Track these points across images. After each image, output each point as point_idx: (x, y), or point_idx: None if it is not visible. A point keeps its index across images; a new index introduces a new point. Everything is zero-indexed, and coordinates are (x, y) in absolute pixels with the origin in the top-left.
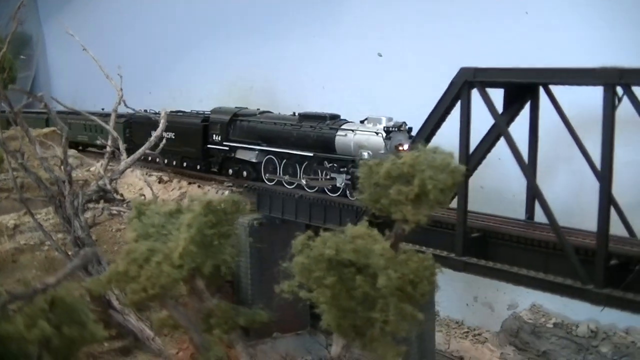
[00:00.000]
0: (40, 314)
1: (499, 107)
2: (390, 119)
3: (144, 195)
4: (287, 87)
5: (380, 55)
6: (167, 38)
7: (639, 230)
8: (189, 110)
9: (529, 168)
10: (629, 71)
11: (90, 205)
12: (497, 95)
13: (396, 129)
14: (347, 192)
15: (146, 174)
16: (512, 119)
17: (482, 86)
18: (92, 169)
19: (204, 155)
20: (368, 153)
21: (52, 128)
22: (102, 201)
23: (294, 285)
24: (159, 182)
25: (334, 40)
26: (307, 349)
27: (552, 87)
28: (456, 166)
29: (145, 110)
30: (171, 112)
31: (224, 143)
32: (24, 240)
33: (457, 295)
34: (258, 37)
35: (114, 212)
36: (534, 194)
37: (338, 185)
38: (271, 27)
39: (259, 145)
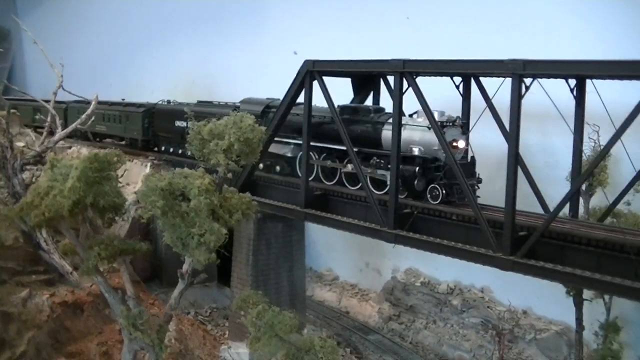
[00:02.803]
0: None
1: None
2: (442, 113)
3: None
4: (221, 80)
5: (296, 54)
6: (126, 36)
7: None
8: (217, 102)
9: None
10: (412, 62)
11: (28, 167)
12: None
13: (450, 124)
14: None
15: (88, 147)
16: (361, 103)
17: (320, 75)
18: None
19: None
20: (419, 149)
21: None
22: (38, 165)
23: (144, 211)
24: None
25: (259, 39)
26: (213, 299)
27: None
28: (257, 127)
29: (169, 101)
30: (199, 101)
31: None
32: None
33: (353, 262)
34: (197, 37)
35: None
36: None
37: (389, 182)
38: (207, 28)
39: (294, 139)
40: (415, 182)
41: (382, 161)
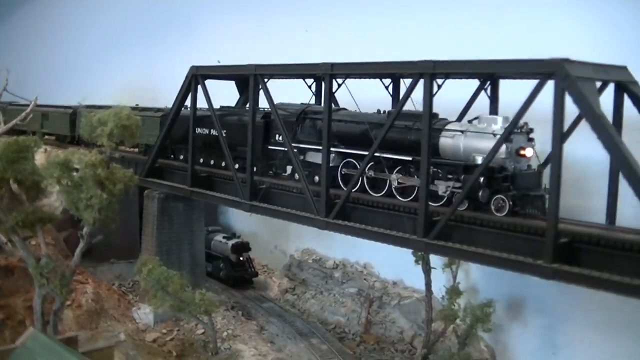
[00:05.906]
0: None
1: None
2: (506, 119)
3: None
4: (163, 86)
5: (219, 62)
6: (85, 44)
7: None
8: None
9: None
10: (262, 66)
11: None
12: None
13: (518, 131)
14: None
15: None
16: (244, 104)
17: (203, 79)
18: None
19: (264, 157)
20: (483, 158)
21: None
22: None
23: (46, 181)
24: (44, 152)
25: (191, 49)
26: None
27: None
28: (134, 117)
29: (185, 107)
30: (222, 107)
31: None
32: None
33: (264, 245)
34: (141, 48)
35: None
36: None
37: (440, 193)
38: (149, 40)
39: (335, 147)
40: (480, 192)
41: (439, 171)
